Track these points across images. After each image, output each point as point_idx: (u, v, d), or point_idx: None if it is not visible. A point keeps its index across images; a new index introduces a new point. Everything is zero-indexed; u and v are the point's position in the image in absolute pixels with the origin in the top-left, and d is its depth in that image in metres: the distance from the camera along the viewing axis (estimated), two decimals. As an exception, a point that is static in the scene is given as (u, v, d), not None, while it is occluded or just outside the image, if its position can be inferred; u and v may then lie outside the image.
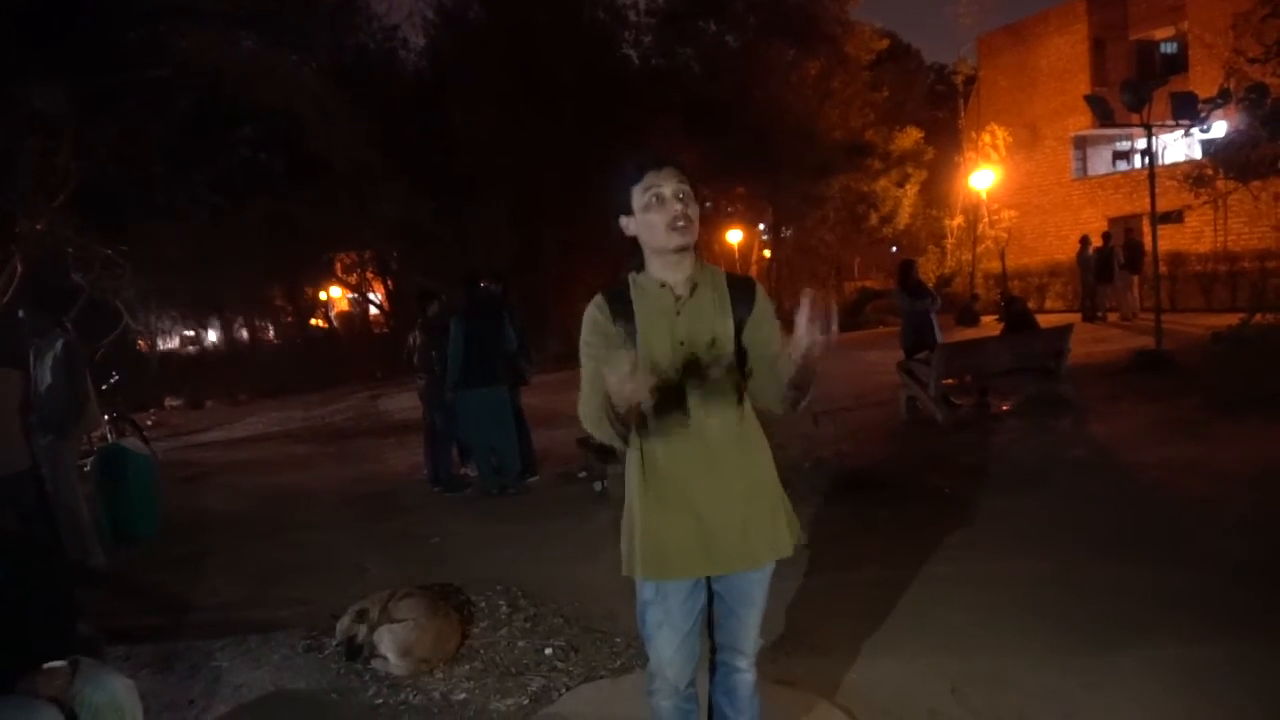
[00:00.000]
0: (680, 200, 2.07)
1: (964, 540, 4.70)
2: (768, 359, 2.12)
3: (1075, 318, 14.81)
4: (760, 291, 2.20)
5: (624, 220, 2.13)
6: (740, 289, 2.18)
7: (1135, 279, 16.40)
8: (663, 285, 2.13)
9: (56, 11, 7.62)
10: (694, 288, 2.14)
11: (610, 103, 19.36)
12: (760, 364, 2.14)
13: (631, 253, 2.18)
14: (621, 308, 2.13)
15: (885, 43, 24.61)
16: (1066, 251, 20.58)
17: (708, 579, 2.21)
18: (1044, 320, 10.87)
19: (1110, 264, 16.21)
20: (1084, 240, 17.38)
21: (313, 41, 11.80)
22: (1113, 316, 16.41)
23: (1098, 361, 10.66)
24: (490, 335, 6.66)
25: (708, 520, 2.10)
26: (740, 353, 2.15)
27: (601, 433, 2.07)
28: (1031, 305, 12.65)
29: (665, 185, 2.07)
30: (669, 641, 2.19)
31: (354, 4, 15.85)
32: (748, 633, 2.25)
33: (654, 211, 2.07)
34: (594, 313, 2.14)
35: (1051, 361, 8.44)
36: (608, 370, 1.85)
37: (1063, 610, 3.66)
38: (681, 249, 2.09)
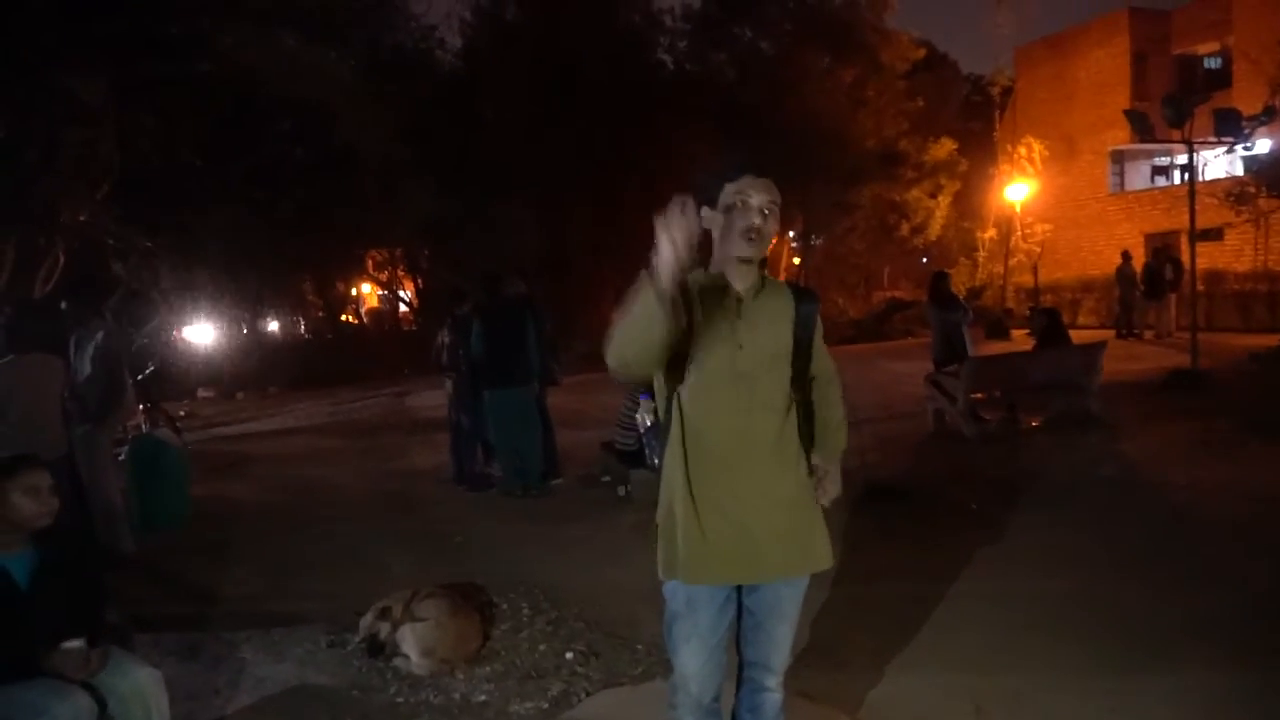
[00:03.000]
0: (763, 214, 2.08)
1: (988, 556, 4.66)
2: (821, 380, 2.27)
3: (1109, 334, 14.60)
4: (818, 316, 2.23)
5: (705, 211, 2.12)
6: (805, 306, 2.19)
7: (1173, 297, 16.15)
8: (726, 288, 2.13)
9: (99, 2, 7.77)
10: (757, 294, 2.15)
11: (643, 106, 19.38)
12: (814, 382, 2.26)
13: (703, 248, 2.15)
14: (682, 300, 2.09)
15: (922, 52, 24.39)
16: (1101, 267, 20.31)
17: (739, 592, 2.19)
18: (1077, 336, 10.74)
19: (1161, 280, 15.86)
20: (1125, 255, 17.12)
21: (351, 39, 11.94)
22: (1148, 334, 16.16)
23: (1131, 379, 10.50)
24: (513, 335, 6.69)
25: (751, 527, 2.09)
26: (798, 364, 2.17)
27: (628, 341, 1.86)
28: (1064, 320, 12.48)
29: (755, 194, 2.07)
30: (696, 654, 2.16)
31: (392, 2, 16.01)
32: (778, 649, 2.22)
33: (735, 214, 2.08)
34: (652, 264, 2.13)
35: (1083, 378, 8.33)
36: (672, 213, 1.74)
37: (1087, 632, 3.62)
38: (746, 260, 2.11)
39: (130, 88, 8.55)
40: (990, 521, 5.32)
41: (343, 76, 12.16)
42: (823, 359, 2.27)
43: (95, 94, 8.07)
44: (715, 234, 2.13)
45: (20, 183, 7.95)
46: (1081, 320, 19.72)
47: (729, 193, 2.08)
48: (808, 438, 2.22)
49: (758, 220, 2.07)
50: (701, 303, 2.10)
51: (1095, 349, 8.56)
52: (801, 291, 2.22)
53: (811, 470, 2.22)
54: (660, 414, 2.20)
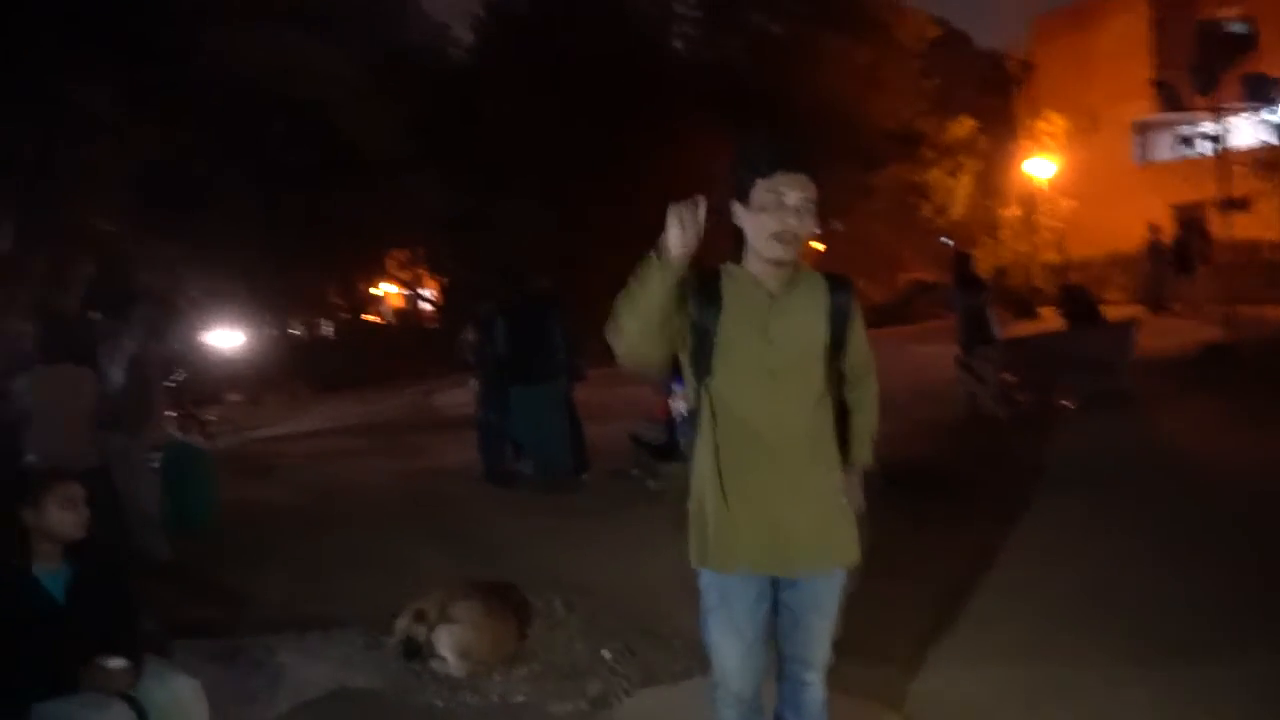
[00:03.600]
0: (798, 213, 2.00)
1: (1028, 541, 4.57)
2: (854, 379, 2.22)
3: (1139, 309, 14.35)
4: (856, 305, 2.16)
5: (736, 207, 2.06)
6: (839, 296, 2.12)
7: (1203, 269, 15.82)
8: (757, 283, 2.08)
9: (106, 14, 7.83)
10: (790, 287, 2.09)
11: (657, 96, 19.28)
12: (846, 380, 2.22)
13: (733, 241, 2.10)
14: (710, 292, 2.06)
15: (938, 30, 24.09)
16: (1128, 241, 19.95)
17: (774, 588, 2.16)
18: (1107, 312, 10.53)
19: (1190, 253, 15.53)
20: (1153, 228, 16.82)
21: (364, 40, 11.99)
22: (1180, 308, 15.84)
23: (1165, 355, 10.28)
24: (538, 332, 6.68)
25: (781, 518, 2.07)
26: (833, 358, 2.12)
27: (628, 318, 1.92)
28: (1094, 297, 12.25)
29: (791, 192, 1.99)
30: (734, 651, 2.15)
31: (404, 3, 16.05)
32: (817, 643, 2.19)
33: (768, 214, 2.00)
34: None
35: (1117, 356, 8.18)
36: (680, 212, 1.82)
37: (1136, 617, 3.53)
38: (779, 263, 2.04)
39: (143, 98, 8.62)
40: (1028, 505, 5.23)
41: (357, 78, 12.22)
42: (859, 353, 2.20)
43: (108, 106, 8.15)
44: (747, 232, 2.06)
45: (45, 197, 8.05)
46: (1111, 296, 19.37)
47: (761, 189, 2.00)
48: (841, 430, 2.19)
49: (793, 221, 1.99)
50: (732, 297, 2.06)
51: (1128, 326, 8.42)
52: (836, 280, 2.15)
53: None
54: (691, 405, 2.19)
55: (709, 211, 1.97)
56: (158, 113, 9.04)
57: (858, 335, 2.17)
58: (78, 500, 2.73)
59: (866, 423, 2.25)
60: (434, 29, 19.35)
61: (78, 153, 8.30)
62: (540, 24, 19.82)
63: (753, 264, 2.09)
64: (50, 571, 2.64)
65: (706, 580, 2.16)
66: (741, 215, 2.06)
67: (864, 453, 2.25)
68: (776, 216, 1.99)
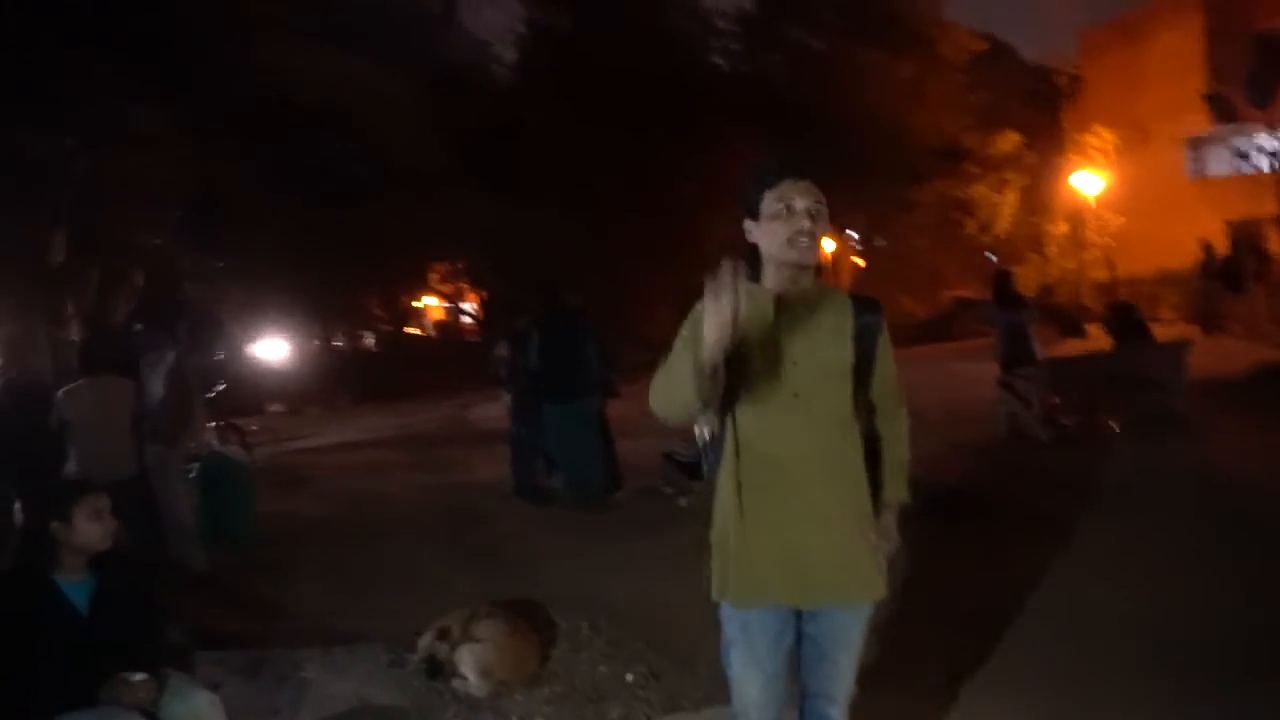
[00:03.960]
0: (810, 216, 2.00)
1: (1068, 569, 4.42)
2: (882, 409, 2.14)
3: (1192, 329, 13.95)
4: (884, 329, 2.11)
5: (748, 224, 2.06)
6: (865, 317, 2.08)
7: (1260, 288, 15.34)
8: (777, 301, 2.04)
9: (153, 30, 8.03)
10: (812, 306, 2.05)
11: (693, 108, 19.30)
12: (875, 410, 2.15)
13: (749, 261, 2.08)
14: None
15: (983, 44, 23.78)
16: (1181, 258, 19.45)
17: (798, 619, 2.11)
18: (1158, 332, 10.23)
19: (1239, 272, 15.12)
20: (1207, 246, 16.40)
21: (403, 56, 12.18)
22: (1235, 329, 15.37)
23: (1218, 377, 9.96)
24: (571, 347, 6.66)
25: (803, 546, 2.01)
26: (859, 382, 2.06)
27: (670, 403, 1.95)
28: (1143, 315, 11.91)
29: (798, 198, 2.00)
30: (754, 682, 2.10)
31: (446, 20, 16.29)
32: (841, 678, 2.13)
33: (780, 221, 2.00)
34: (700, 311, 2.05)
35: (1169, 376, 7.92)
36: (715, 293, 1.73)
37: (1182, 650, 3.38)
38: (798, 266, 2.02)
39: (194, 113, 8.83)
40: (1068, 531, 5.06)
41: (401, 94, 12.42)
42: (887, 380, 2.13)
43: (160, 121, 8.35)
44: (762, 245, 2.04)
45: (95, 211, 8.27)
46: (1163, 315, 18.88)
47: (770, 200, 2.00)
48: (871, 461, 2.12)
49: (806, 223, 1.98)
50: (752, 319, 2.01)
51: (1179, 347, 8.17)
52: (862, 301, 2.11)
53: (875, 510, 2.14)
54: (714, 429, 2.14)
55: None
56: (204, 127, 9.28)
57: (885, 360, 2.11)
58: (105, 511, 2.75)
59: (897, 456, 2.18)
60: (476, 46, 19.61)
61: (126, 167, 8.52)
62: (581, 41, 19.99)
63: (771, 278, 2.06)
64: (74, 582, 2.66)
65: (728, 611, 2.12)
66: (754, 230, 2.05)
67: (898, 489, 2.18)
68: (787, 222, 1.99)
